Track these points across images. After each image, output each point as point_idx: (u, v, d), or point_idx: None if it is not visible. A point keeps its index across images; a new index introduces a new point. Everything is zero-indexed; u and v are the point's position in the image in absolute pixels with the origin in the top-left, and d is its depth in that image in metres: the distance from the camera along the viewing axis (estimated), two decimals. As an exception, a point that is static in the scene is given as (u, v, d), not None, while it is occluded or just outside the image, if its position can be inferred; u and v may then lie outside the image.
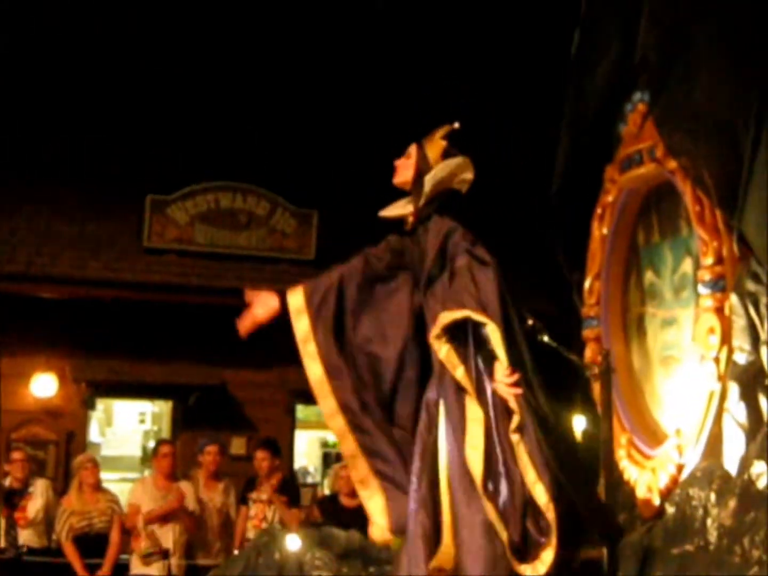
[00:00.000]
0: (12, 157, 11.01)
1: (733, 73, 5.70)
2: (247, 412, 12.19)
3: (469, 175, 4.66)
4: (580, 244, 6.85)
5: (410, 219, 4.69)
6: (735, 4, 5.82)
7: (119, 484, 11.71)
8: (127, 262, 11.50)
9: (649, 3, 6.29)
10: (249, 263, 11.63)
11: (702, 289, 5.73)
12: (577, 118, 6.85)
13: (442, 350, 4.25)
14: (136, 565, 8.33)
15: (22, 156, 11.06)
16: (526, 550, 4.09)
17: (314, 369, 4.43)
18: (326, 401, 4.43)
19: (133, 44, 10.76)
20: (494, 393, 4.21)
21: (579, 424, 7.78)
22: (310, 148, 11.45)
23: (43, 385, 11.63)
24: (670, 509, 5.52)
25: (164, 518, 8.31)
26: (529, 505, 4.11)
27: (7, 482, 8.73)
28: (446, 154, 4.66)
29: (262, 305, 4.51)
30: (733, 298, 5.54)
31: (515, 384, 4.15)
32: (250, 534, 8.40)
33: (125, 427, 15.61)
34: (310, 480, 13.95)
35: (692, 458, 5.67)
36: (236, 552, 8.40)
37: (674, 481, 5.74)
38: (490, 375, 4.22)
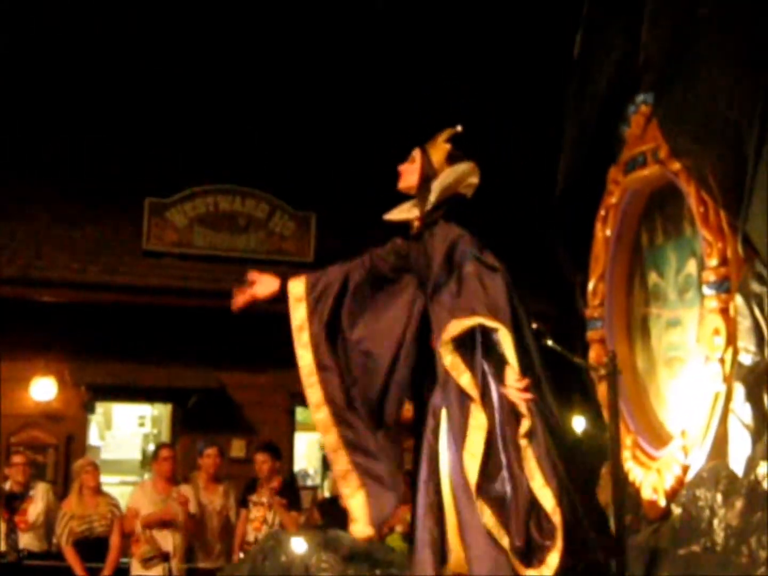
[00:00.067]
0: (11, 161, 11.00)
1: (737, 74, 5.69)
2: (246, 414, 12.21)
3: (474, 180, 4.68)
4: (582, 245, 6.85)
5: (416, 223, 4.69)
6: (738, 4, 5.82)
7: (119, 488, 11.70)
8: (126, 265, 11.52)
9: (651, 3, 6.28)
10: (248, 266, 11.54)
11: (707, 291, 5.72)
12: (579, 120, 6.84)
13: (448, 358, 4.26)
14: (136, 569, 8.32)
15: (20, 159, 11.05)
16: (531, 554, 4.10)
17: (305, 358, 4.47)
18: (313, 391, 4.45)
19: (132, 46, 10.75)
20: (501, 398, 4.22)
21: (579, 425, 7.80)
22: (308, 150, 11.46)
23: (43, 389, 11.65)
24: (677, 510, 5.52)
25: (164, 524, 8.31)
26: (534, 509, 4.12)
27: (7, 486, 8.73)
28: (450, 157, 4.68)
29: (263, 285, 4.62)
30: (738, 299, 5.53)
31: (526, 389, 4.17)
32: (250, 537, 8.42)
33: (125, 431, 15.58)
34: (310, 483, 13.91)
35: (698, 459, 5.67)
36: (235, 555, 8.43)
37: (680, 482, 5.73)
38: (498, 380, 4.23)
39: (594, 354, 6.57)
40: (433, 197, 4.60)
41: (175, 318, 11.57)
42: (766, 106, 5.52)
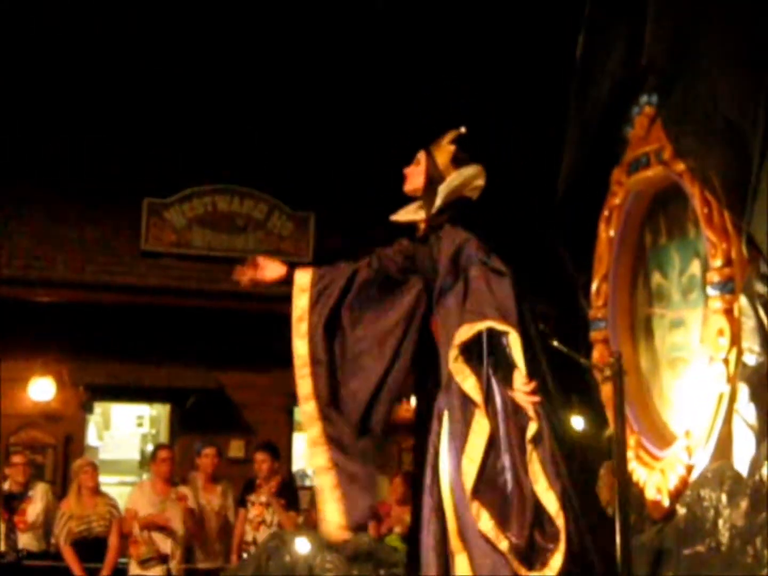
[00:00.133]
0: (8, 161, 10.97)
1: (740, 74, 5.70)
2: (245, 415, 12.22)
3: (480, 182, 4.69)
4: (584, 246, 6.85)
5: (422, 225, 4.70)
6: (741, 4, 5.82)
7: (117, 488, 11.71)
8: (124, 265, 11.49)
9: (653, 4, 6.29)
10: (246, 266, 11.60)
11: (711, 291, 5.73)
12: (581, 120, 6.85)
13: (453, 362, 4.28)
14: (134, 569, 8.31)
15: (18, 159, 11.02)
16: (533, 557, 4.11)
17: (301, 349, 4.46)
18: (304, 383, 4.44)
19: (131, 46, 10.72)
20: (504, 402, 4.24)
21: (578, 424, 7.78)
22: (307, 150, 11.44)
23: (41, 389, 11.65)
24: (682, 510, 5.53)
25: (160, 527, 8.30)
26: (537, 512, 4.13)
27: (6, 486, 8.71)
28: (455, 159, 4.70)
29: (270, 269, 4.62)
30: (743, 300, 5.54)
31: (533, 392, 4.18)
32: (249, 537, 8.42)
33: (123, 431, 15.62)
34: (308, 483, 13.92)
35: (702, 460, 5.67)
36: (234, 555, 8.43)
37: (684, 483, 5.74)
38: (504, 384, 4.25)
39: (597, 354, 6.57)
40: (438, 201, 4.61)
41: (174, 318, 11.57)
42: (768, 106, 5.53)
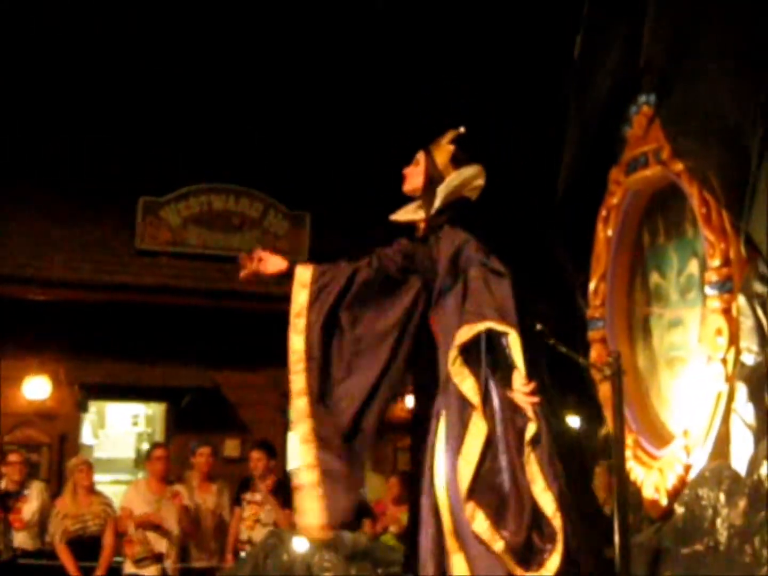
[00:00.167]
0: (4, 160, 10.95)
1: (740, 74, 5.71)
2: (240, 414, 12.21)
3: (480, 183, 4.69)
4: (583, 245, 6.86)
5: (421, 225, 4.69)
6: (740, 4, 5.83)
7: (112, 486, 11.66)
8: (119, 264, 11.46)
9: (653, 4, 6.30)
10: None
11: (709, 291, 5.74)
12: (580, 120, 6.86)
13: (452, 363, 4.27)
14: (129, 568, 8.30)
15: (13, 159, 11.00)
16: (530, 557, 4.11)
17: (297, 344, 4.44)
18: (298, 378, 4.41)
19: (129, 46, 10.71)
20: (502, 403, 4.24)
21: (574, 423, 7.80)
22: (303, 149, 11.43)
23: (37, 388, 11.63)
24: (680, 509, 5.54)
25: (155, 526, 8.30)
26: (535, 513, 4.13)
27: (2, 485, 8.68)
28: (455, 159, 4.69)
29: (271, 263, 4.59)
30: (741, 300, 5.55)
31: (533, 393, 4.18)
32: (244, 535, 8.40)
33: (118, 430, 15.58)
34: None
35: (700, 459, 5.68)
36: (229, 553, 8.42)
37: (682, 482, 5.75)
38: (503, 384, 4.24)
39: (595, 354, 6.58)
40: (438, 201, 4.60)
41: (169, 317, 11.55)
42: (767, 106, 5.54)
